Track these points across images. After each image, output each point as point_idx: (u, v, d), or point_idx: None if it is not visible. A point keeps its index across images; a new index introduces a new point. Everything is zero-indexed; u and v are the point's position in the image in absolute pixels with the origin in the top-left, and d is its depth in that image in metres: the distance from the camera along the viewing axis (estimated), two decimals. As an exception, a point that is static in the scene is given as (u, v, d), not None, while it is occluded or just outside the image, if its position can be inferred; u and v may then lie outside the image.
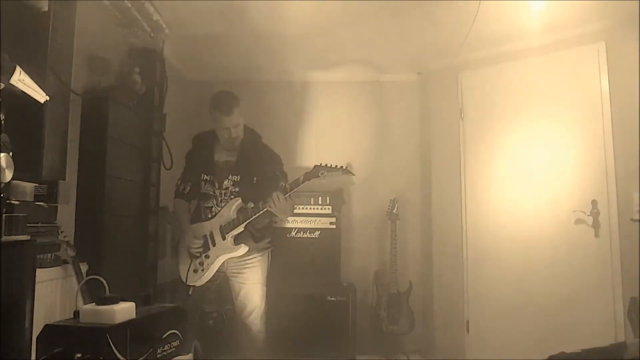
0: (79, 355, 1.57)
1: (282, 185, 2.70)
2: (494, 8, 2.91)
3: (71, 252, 2.30)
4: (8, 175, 1.44)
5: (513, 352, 3.27)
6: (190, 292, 2.72)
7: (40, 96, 1.60)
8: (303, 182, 2.60)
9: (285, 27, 3.26)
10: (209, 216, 2.76)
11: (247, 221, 2.66)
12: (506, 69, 3.60)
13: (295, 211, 3.22)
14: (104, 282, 1.92)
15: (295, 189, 2.62)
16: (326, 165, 2.58)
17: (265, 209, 2.62)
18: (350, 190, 4.24)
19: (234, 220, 2.68)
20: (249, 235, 2.73)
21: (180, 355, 1.95)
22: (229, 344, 3.09)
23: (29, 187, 1.68)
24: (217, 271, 2.74)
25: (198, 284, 2.73)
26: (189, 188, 2.85)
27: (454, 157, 3.86)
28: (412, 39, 3.48)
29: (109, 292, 1.87)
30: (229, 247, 2.69)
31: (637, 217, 2.89)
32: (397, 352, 3.81)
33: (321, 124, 4.36)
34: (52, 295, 2.24)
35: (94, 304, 1.76)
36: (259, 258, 2.80)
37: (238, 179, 2.76)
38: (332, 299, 3.55)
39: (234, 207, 2.69)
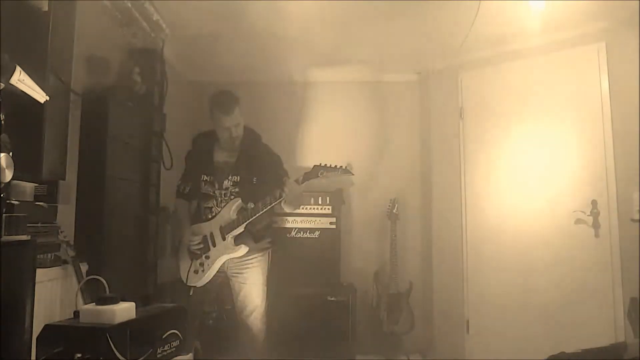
0: (79, 355, 1.57)
1: (284, 181, 2.70)
2: (494, 8, 2.91)
3: (71, 252, 2.30)
4: (8, 175, 1.44)
5: (513, 352, 3.27)
6: (190, 293, 2.72)
7: (40, 96, 1.60)
8: (302, 182, 2.60)
9: (285, 27, 3.26)
10: (209, 216, 2.76)
11: (247, 221, 2.66)
12: (506, 69, 3.60)
13: (295, 211, 3.22)
14: (104, 282, 1.92)
15: None
16: (325, 165, 2.58)
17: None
18: (350, 190, 4.24)
19: (234, 220, 2.68)
20: (249, 235, 2.73)
21: (180, 355, 1.95)
22: (229, 344, 3.09)
23: (29, 187, 1.68)
24: (217, 271, 2.74)
25: (199, 284, 2.73)
26: (189, 188, 2.85)
27: (454, 157, 3.86)
28: (412, 39, 3.48)
29: (109, 292, 1.87)
30: (229, 248, 2.68)
31: (637, 217, 2.89)
32: (397, 352, 3.80)
33: (321, 124, 4.36)
34: (52, 295, 2.23)
35: (94, 304, 1.76)
36: (259, 258, 2.80)
37: (238, 179, 2.75)
38: (332, 299, 3.55)
39: (234, 208, 2.69)
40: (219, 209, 2.74)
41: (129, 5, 2.70)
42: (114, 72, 2.87)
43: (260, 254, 2.81)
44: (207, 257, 2.71)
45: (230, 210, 2.69)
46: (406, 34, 3.40)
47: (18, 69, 1.46)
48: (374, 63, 4.00)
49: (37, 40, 1.77)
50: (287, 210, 2.74)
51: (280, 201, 2.61)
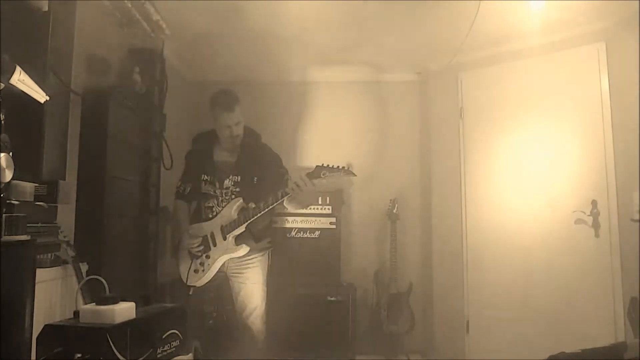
0: (79, 355, 1.57)
1: (286, 178, 2.70)
2: (494, 8, 2.91)
3: (71, 252, 2.29)
4: (8, 175, 1.44)
5: (513, 352, 3.27)
6: (190, 293, 2.72)
7: (40, 96, 1.60)
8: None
9: (285, 27, 3.26)
10: (210, 216, 2.76)
11: (249, 221, 2.66)
12: (506, 69, 3.60)
13: (296, 211, 3.23)
14: (104, 282, 1.92)
15: None
16: (328, 165, 2.58)
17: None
18: (350, 190, 4.24)
19: (235, 220, 2.67)
20: (249, 235, 2.73)
21: (180, 355, 1.95)
22: (229, 344, 3.09)
23: (29, 187, 1.68)
24: (217, 271, 2.73)
25: (199, 284, 2.73)
26: (189, 189, 2.84)
27: (454, 157, 3.86)
28: (412, 39, 3.48)
29: (109, 292, 1.87)
30: (230, 248, 2.68)
31: (637, 217, 2.89)
32: (397, 352, 3.80)
33: (321, 124, 4.36)
34: (52, 295, 2.23)
35: (94, 304, 1.76)
36: (259, 258, 2.80)
37: (238, 179, 2.76)
38: (332, 299, 3.55)
39: (235, 207, 2.69)
40: (220, 209, 2.74)
41: (129, 5, 2.70)
42: (114, 72, 2.86)
43: (260, 254, 2.81)
44: (208, 257, 2.71)
45: (231, 210, 2.69)
46: (406, 34, 3.40)
47: (18, 69, 1.46)
48: (374, 63, 4.00)
49: (37, 40, 1.77)
50: (292, 209, 2.74)
51: (283, 200, 2.61)
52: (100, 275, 2.00)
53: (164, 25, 3.04)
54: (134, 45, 3.07)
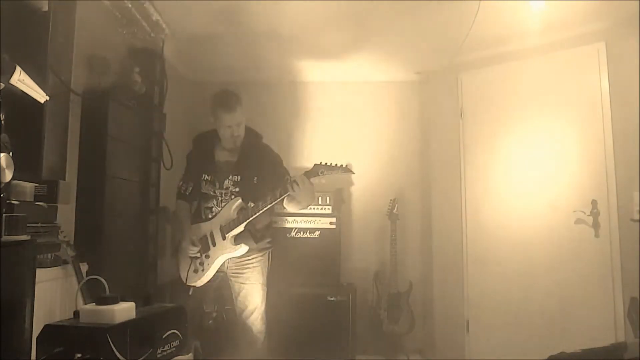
0: (79, 355, 1.57)
1: (286, 179, 2.70)
2: (494, 8, 2.91)
3: (71, 252, 2.30)
4: (8, 175, 1.44)
5: (513, 352, 3.27)
6: (190, 293, 2.72)
7: (40, 96, 1.60)
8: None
9: (285, 27, 3.26)
10: (209, 216, 2.76)
11: (248, 220, 2.66)
12: (506, 69, 3.60)
13: (296, 211, 3.22)
14: (104, 282, 1.92)
15: None
16: (326, 164, 2.58)
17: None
18: (350, 190, 4.25)
19: (234, 220, 2.67)
20: (249, 235, 2.73)
21: (180, 355, 1.95)
22: (229, 344, 3.09)
23: (29, 187, 1.68)
24: (217, 271, 2.73)
25: (198, 284, 2.72)
26: (190, 189, 2.84)
27: (454, 157, 3.86)
28: (412, 39, 3.48)
29: (109, 292, 1.87)
30: (229, 247, 2.68)
31: (637, 217, 2.89)
32: (397, 352, 3.81)
33: (321, 124, 4.36)
34: (52, 295, 2.23)
35: (94, 304, 1.76)
36: (259, 258, 2.80)
37: (239, 179, 2.75)
38: (332, 299, 3.55)
39: (234, 207, 2.69)
40: (220, 209, 2.74)
41: (129, 5, 2.70)
42: (114, 72, 2.87)
43: (260, 254, 2.81)
44: (207, 257, 2.71)
45: (230, 210, 2.69)
46: (406, 34, 3.40)
47: (18, 69, 1.47)
48: (374, 63, 4.00)
49: (37, 40, 1.77)
50: (292, 210, 2.74)
51: (282, 199, 2.61)
52: (100, 275, 2.00)
53: (164, 25, 3.05)
54: (134, 45, 3.08)
